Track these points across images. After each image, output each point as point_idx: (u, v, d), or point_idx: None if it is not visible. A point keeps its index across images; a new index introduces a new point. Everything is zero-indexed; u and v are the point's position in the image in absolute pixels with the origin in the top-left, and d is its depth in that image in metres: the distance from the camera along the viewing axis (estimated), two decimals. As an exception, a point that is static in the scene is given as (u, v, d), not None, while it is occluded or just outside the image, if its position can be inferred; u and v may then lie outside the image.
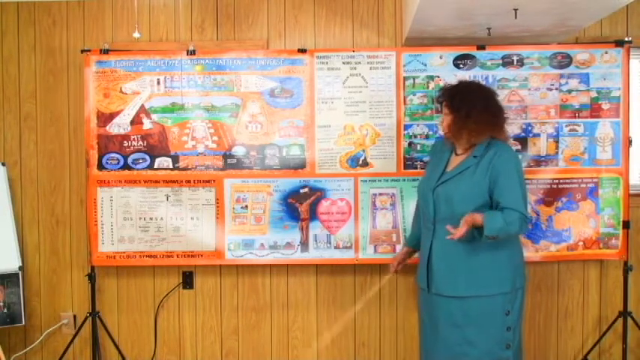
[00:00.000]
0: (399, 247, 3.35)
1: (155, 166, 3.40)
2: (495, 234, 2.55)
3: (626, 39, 3.30)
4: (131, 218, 3.41)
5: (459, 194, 2.65)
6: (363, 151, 3.37)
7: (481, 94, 2.74)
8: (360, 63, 3.36)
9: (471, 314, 2.63)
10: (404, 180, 3.37)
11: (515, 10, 2.79)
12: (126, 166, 3.40)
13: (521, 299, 2.71)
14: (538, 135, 3.33)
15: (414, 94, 3.35)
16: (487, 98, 2.74)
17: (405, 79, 3.35)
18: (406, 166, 3.37)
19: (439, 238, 2.68)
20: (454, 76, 3.31)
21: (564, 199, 3.33)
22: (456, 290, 2.65)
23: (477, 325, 2.63)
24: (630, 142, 3.34)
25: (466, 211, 2.60)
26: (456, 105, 2.70)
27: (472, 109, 2.67)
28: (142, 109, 3.39)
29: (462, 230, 2.55)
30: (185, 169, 3.39)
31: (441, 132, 2.92)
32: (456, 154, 2.77)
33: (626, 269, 3.36)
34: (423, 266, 2.78)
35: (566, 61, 3.32)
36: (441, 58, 3.33)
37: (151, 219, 3.41)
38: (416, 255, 3.01)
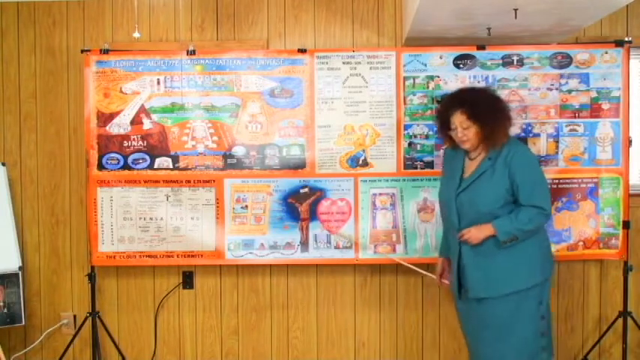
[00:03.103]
0: (399, 247, 3.36)
1: (155, 166, 3.40)
2: (510, 237, 2.64)
3: (626, 39, 3.30)
4: (131, 218, 3.41)
5: (481, 197, 2.70)
6: (363, 151, 3.37)
7: (494, 94, 2.86)
8: (360, 63, 3.36)
9: (511, 310, 2.68)
10: (404, 180, 3.36)
11: (515, 10, 2.79)
12: (126, 166, 3.40)
13: (549, 286, 2.78)
14: (538, 135, 3.32)
15: (414, 94, 3.35)
16: (502, 102, 2.83)
17: (405, 79, 3.35)
18: (406, 166, 3.37)
19: (468, 245, 2.73)
20: (454, 76, 3.31)
21: (564, 199, 3.33)
22: (494, 291, 2.69)
23: (517, 319, 2.68)
24: (630, 142, 3.34)
25: (491, 212, 2.67)
26: (483, 114, 2.70)
27: (498, 111, 2.75)
28: (142, 109, 3.38)
29: (473, 236, 2.69)
30: (185, 169, 3.39)
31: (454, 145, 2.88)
32: (470, 159, 2.81)
33: (626, 269, 3.36)
34: (455, 275, 2.82)
35: (566, 61, 3.32)
36: (441, 58, 3.33)
37: (151, 219, 3.41)
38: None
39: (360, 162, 3.37)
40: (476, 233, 2.69)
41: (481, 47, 3.32)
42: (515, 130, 3.29)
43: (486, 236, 2.68)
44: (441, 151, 3.31)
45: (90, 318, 3.51)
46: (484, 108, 2.73)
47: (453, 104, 2.80)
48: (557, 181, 3.32)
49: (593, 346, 3.50)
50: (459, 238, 2.75)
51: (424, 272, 3.19)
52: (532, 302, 2.69)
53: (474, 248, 2.72)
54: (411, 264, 3.25)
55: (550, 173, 3.32)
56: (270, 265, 3.56)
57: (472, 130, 2.72)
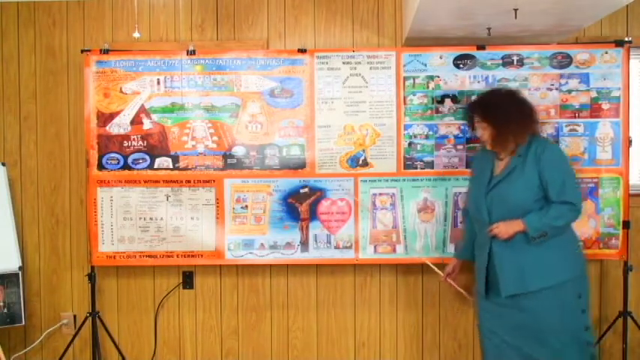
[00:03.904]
0: (399, 247, 3.36)
1: (155, 166, 3.40)
2: (540, 233, 2.66)
3: (626, 39, 3.30)
4: (131, 218, 3.41)
5: (512, 193, 2.73)
6: (363, 151, 3.37)
7: (511, 99, 2.84)
8: (360, 63, 3.36)
9: (547, 306, 2.68)
10: (404, 180, 3.36)
11: (515, 10, 2.79)
12: (126, 166, 3.40)
13: (587, 283, 2.81)
14: (538, 135, 3.32)
15: (414, 94, 3.35)
16: (518, 101, 2.84)
17: (405, 79, 3.35)
18: (406, 166, 3.37)
19: (498, 241, 2.74)
20: (454, 76, 3.32)
21: (564, 199, 3.32)
22: (526, 286, 2.70)
23: (556, 315, 2.68)
24: (630, 142, 3.34)
25: (522, 208, 2.70)
26: (492, 117, 2.79)
27: (510, 116, 2.76)
28: (142, 109, 3.39)
29: (502, 231, 2.70)
30: (185, 169, 3.39)
31: (479, 143, 3.03)
32: (499, 159, 2.85)
33: (626, 269, 3.36)
34: (482, 272, 2.82)
35: (566, 61, 3.32)
36: (441, 58, 3.33)
37: (151, 219, 3.41)
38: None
39: (360, 162, 3.37)
40: (505, 228, 2.71)
41: (481, 47, 3.32)
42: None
43: (515, 232, 2.70)
44: (442, 151, 3.34)
45: (90, 318, 3.51)
46: (494, 110, 2.79)
47: (472, 105, 2.96)
48: (557, 181, 3.32)
49: (594, 346, 3.50)
50: (488, 232, 2.76)
51: (435, 269, 3.20)
52: (570, 297, 2.70)
53: (504, 244, 2.73)
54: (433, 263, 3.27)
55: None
56: (270, 265, 3.56)
57: (487, 132, 2.81)
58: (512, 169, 2.76)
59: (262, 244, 3.39)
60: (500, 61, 3.32)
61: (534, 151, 2.74)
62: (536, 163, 2.72)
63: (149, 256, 3.42)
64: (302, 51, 3.36)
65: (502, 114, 2.78)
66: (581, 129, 3.32)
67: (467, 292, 3.18)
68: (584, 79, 3.31)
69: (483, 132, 2.83)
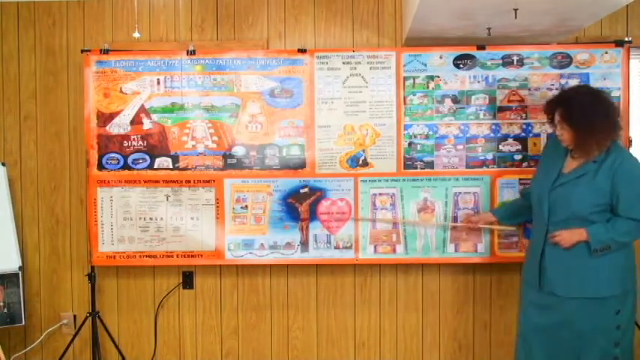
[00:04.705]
0: (399, 247, 3.36)
1: (155, 166, 3.40)
2: (603, 246, 2.59)
3: (626, 39, 3.30)
4: (131, 218, 3.41)
5: (577, 199, 2.64)
6: (363, 151, 3.37)
7: (598, 101, 2.66)
8: (360, 63, 3.36)
9: (583, 314, 2.64)
10: (404, 180, 3.36)
11: (515, 10, 2.79)
12: (126, 166, 3.40)
13: (633, 299, 2.71)
14: (538, 135, 3.32)
15: (414, 94, 3.35)
16: (605, 104, 2.67)
17: (405, 79, 3.35)
18: (406, 166, 3.37)
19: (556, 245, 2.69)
20: (454, 76, 3.32)
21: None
22: (571, 291, 2.65)
23: (589, 326, 2.64)
24: (630, 142, 3.34)
25: (583, 217, 2.62)
26: (575, 121, 2.63)
27: (595, 121, 2.60)
28: (142, 109, 3.39)
29: (565, 240, 2.64)
30: (185, 169, 3.39)
31: (561, 143, 2.77)
32: (572, 157, 2.74)
33: (627, 269, 3.35)
34: (535, 266, 2.76)
35: (566, 61, 3.31)
36: (441, 58, 3.33)
37: (150, 219, 3.41)
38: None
39: (360, 162, 3.37)
40: (568, 237, 2.64)
41: (481, 47, 3.32)
42: (515, 130, 3.30)
43: (578, 241, 2.63)
44: (442, 151, 3.33)
45: (90, 318, 3.52)
46: (579, 114, 2.63)
47: (557, 100, 2.76)
48: (557, 181, 3.32)
49: None
50: (550, 239, 2.70)
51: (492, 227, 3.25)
52: (608, 312, 2.64)
53: (559, 247, 2.67)
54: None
55: (550, 173, 3.32)
56: (270, 265, 3.56)
57: (565, 133, 2.68)
58: (583, 174, 2.65)
59: (262, 244, 3.39)
60: (500, 61, 3.32)
61: (612, 161, 2.61)
62: (611, 174, 2.60)
63: (149, 256, 3.42)
64: (302, 51, 3.36)
65: (588, 120, 2.60)
66: (581, 129, 3.31)
67: (492, 224, 3.22)
68: (584, 79, 3.31)
69: (562, 132, 2.68)
